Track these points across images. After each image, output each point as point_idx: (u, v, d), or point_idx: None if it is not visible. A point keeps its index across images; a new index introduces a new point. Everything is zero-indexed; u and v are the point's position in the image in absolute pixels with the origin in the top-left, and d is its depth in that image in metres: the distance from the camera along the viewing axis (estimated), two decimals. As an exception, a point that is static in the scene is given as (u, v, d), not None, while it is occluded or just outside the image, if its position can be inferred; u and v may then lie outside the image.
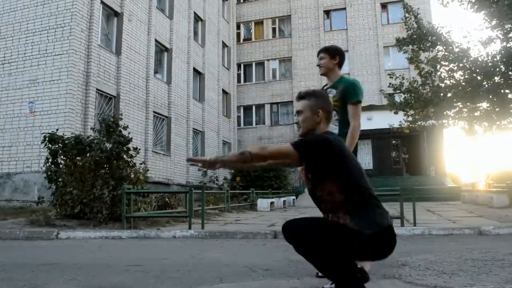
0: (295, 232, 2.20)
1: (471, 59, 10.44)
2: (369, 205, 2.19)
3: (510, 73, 10.24)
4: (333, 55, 3.19)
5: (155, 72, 16.04)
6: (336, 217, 2.21)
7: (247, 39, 27.05)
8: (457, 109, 11.36)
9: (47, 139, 7.72)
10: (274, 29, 26.62)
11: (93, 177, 7.43)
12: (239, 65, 25.94)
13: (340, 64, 3.24)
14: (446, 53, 11.02)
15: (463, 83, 10.58)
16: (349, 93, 3.12)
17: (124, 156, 7.72)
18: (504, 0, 9.73)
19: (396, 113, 12.50)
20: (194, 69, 19.07)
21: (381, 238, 2.14)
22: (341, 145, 2.28)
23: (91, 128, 9.10)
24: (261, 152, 2.27)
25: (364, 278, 2.28)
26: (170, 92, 16.81)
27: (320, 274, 2.95)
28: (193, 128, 18.53)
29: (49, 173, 7.71)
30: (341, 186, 2.19)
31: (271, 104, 25.75)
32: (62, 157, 7.75)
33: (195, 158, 2.60)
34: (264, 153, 2.27)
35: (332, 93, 3.15)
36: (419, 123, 12.51)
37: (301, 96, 2.45)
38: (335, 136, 2.35)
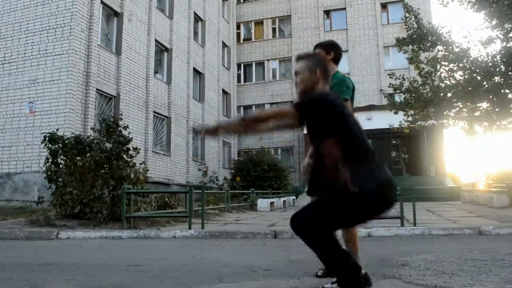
0: (298, 227, 2.24)
1: (471, 59, 10.44)
2: (368, 162, 2.23)
3: (510, 73, 10.24)
4: (328, 50, 3.17)
5: (155, 72, 16.04)
6: (336, 174, 2.23)
7: (247, 39, 27.05)
8: (457, 109, 11.36)
9: (47, 139, 7.72)
10: (274, 29, 26.62)
11: (93, 177, 7.43)
12: (239, 65, 25.94)
13: (335, 59, 3.19)
14: (446, 53, 11.02)
15: (463, 83, 10.58)
16: (337, 91, 3.12)
17: (124, 156, 7.72)
18: (504, 0, 9.73)
19: (396, 113, 12.51)
20: (194, 69, 19.07)
21: (381, 192, 2.18)
22: (340, 103, 2.32)
23: (91, 128, 9.10)
24: (261, 114, 2.37)
25: (368, 282, 2.29)
26: (170, 92, 16.81)
27: (319, 274, 2.95)
28: (193, 128, 18.52)
29: (49, 173, 7.72)
30: (341, 144, 2.22)
31: (271, 104, 25.73)
32: (62, 157, 7.75)
33: (199, 129, 2.64)
34: (263, 115, 2.36)
35: None
36: (419, 123, 12.51)
37: (300, 57, 2.52)
38: (335, 95, 2.36)
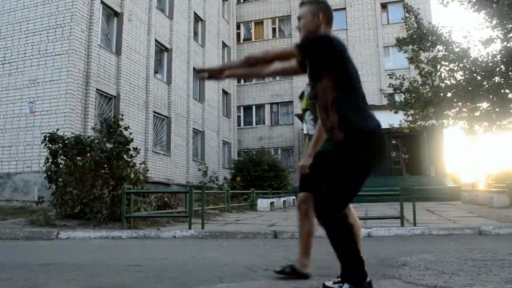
0: (316, 214, 2.29)
1: (471, 59, 10.43)
2: (360, 108, 2.27)
3: (510, 73, 10.24)
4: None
5: (155, 72, 16.04)
6: (325, 116, 2.28)
7: (247, 39, 27.06)
8: (457, 109, 11.35)
9: (47, 139, 7.72)
10: (274, 29, 26.63)
11: (93, 177, 7.42)
12: (239, 65, 25.91)
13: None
14: (446, 53, 11.01)
15: (463, 83, 10.57)
16: None
17: (124, 156, 7.72)
18: (504, 0, 9.73)
19: (396, 113, 12.50)
20: (194, 69, 19.06)
21: (370, 140, 2.21)
22: (342, 46, 2.32)
23: (91, 128, 9.10)
24: (265, 54, 2.38)
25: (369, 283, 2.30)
26: (170, 92, 16.81)
27: (276, 269, 2.99)
28: (193, 128, 18.52)
29: (49, 173, 7.72)
30: (336, 84, 2.25)
31: (271, 104, 25.75)
32: (62, 157, 7.75)
33: (203, 68, 2.64)
34: (269, 55, 2.37)
35: (307, 90, 3.09)
36: (419, 123, 12.50)
37: (303, 3, 2.53)
38: (338, 38, 2.38)
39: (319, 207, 2.28)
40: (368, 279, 2.27)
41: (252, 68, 2.47)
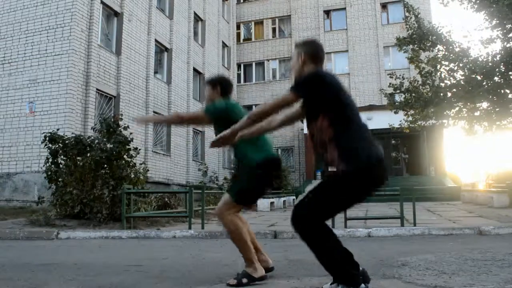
0: (292, 222, 2.29)
1: (471, 59, 10.43)
2: (361, 139, 2.26)
3: (510, 73, 10.24)
4: (214, 85, 3.32)
5: (155, 72, 16.05)
6: (324, 151, 2.29)
7: (247, 39, 27.06)
8: (457, 109, 11.36)
9: (47, 139, 7.72)
10: (274, 29, 26.62)
11: (93, 177, 7.43)
12: (239, 65, 25.94)
13: (223, 91, 3.29)
14: (446, 53, 11.01)
15: (463, 83, 10.57)
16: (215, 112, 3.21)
17: (125, 156, 7.72)
18: (504, 0, 9.72)
19: (396, 113, 12.50)
20: (194, 69, 19.07)
21: (371, 171, 2.21)
22: (335, 80, 2.34)
23: (91, 128, 9.10)
24: (262, 108, 2.42)
25: (365, 279, 2.29)
26: (170, 92, 16.81)
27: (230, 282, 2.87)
28: (193, 128, 18.51)
29: (49, 173, 7.72)
30: (332, 123, 2.26)
31: (271, 104, 25.74)
32: (62, 157, 7.75)
33: (215, 141, 2.74)
34: (266, 109, 2.42)
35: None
36: (419, 123, 12.50)
37: (295, 46, 2.60)
38: (331, 74, 2.41)
39: (297, 218, 2.26)
40: (360, 268, 2.28)
41: (260, 124, 2.58)
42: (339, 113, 2.27)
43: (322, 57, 2.55)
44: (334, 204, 2.29)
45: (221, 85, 3.33)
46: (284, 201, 15.46)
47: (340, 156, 2.20)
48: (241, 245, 2.99)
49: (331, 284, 2.38)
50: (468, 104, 10.97)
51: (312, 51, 2.52)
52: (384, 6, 24.62)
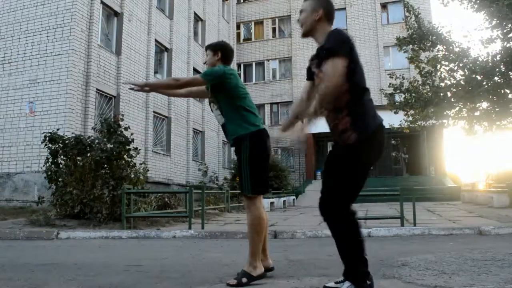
0: (321, 211, 2.32)
1: (471, 59, 10.44)
2: (371, 108, 2.29)
3: (510, 73, 10.24)
4: (216, 51, 3.26)
5: (155, 72, 16.04)
6: (337, 119, 2.26)
7: (247, 39, 27.06)
8: (457, 109, 11.37)
9: (47, 139, 7.72)
10: (274, 29, 26.63)
11: (93, 177, 7.43)
12: (239, 65, 25.94)
13: (224, 58, 3.24)
14: (446, 53, 11.02)
15: (463, 83, 10.58)
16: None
17: (125, 156, 7.72)
18: (504, 0, 9.72)
19: (396, 113, 12.51)
20: (194, 69, 19.05)
21: (377, 138, 2.26)
22: (353, 44, 2.26)
23: (91, 128, 9.10)
24: (326, 88, 2.14)
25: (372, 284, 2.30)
26: (170, 92, 16.78)
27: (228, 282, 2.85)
28: (193, 128, 18.52)
29: (49, 173, 7.72)
30: (350, 87, 2.21)
31: (271, 104, 25.75)
32: (62, 157, 7.75)
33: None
34: (327, 88, 2.13)
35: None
36: (419, 123, 12.51)
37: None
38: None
39: (325, 203, 2.28)
40: (370, 281, 2.26)
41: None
42: (357, 79, 2.26)
43: (334, 18, 2.47)
44: (354, 181, 2.28)
45: (222, 51, 3.27)
46: (284, 201, 15.47)
47: (353, 124, 2.20)
48: (259, 239, 3.04)
49: (335, 283, 2.37)
50: (468, 104, 10.98)
51: (330, 9, 2.43)
52: (384, 6, 24.63)
